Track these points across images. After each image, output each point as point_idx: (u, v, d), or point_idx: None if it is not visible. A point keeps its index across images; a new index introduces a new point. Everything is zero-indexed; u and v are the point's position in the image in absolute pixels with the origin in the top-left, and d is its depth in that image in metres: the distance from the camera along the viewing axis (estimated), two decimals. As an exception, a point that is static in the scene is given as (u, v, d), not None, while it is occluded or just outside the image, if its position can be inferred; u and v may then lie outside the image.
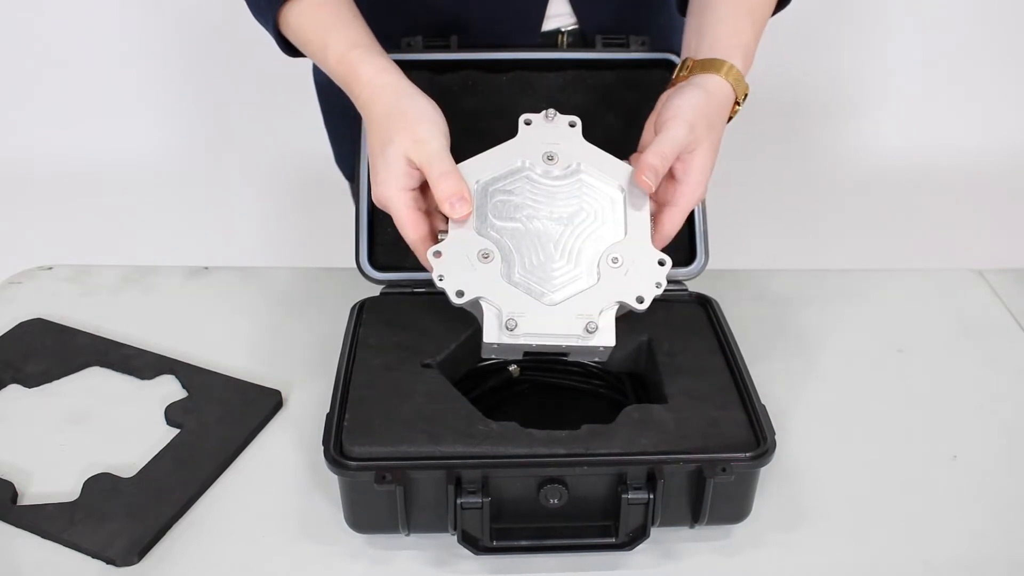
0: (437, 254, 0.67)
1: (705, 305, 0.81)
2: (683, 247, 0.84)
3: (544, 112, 0.72)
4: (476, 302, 0.66)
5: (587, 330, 0.65)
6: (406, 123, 0.67)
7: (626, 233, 0.68)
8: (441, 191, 0.65)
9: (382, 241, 0.83)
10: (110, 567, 0.64)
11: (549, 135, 0.71)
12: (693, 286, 0.83)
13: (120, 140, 2.17)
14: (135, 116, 2.17)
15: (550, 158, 0.70)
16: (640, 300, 0.66)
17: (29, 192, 2.11)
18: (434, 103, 0.70)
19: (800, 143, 2.22)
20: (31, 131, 2.17)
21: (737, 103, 0.73)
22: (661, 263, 0.67)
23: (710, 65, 0.72)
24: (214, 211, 2.10)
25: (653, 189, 0.67)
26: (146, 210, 2.07)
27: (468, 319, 0.77)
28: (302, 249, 2.05)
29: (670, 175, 0.70)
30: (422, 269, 0.83)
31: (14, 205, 2.08)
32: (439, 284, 0.66)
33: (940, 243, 2.04)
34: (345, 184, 1.08)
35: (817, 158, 2.22)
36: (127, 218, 2.05)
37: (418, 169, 0.67)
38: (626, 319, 0.77)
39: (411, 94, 0.70)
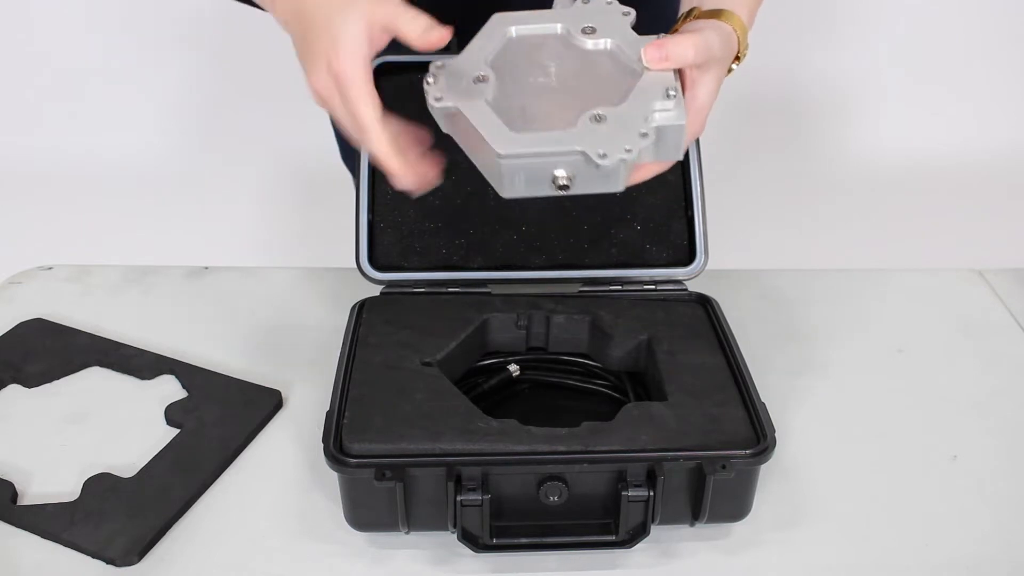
0: (434, 74, 0.64)
1: (705, 305, 0.81)
2: (683, 247, 0.84)
3: None
4: (465, 120, 0.62)
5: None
6: None
7: (624, 100, 0.64)
8: (412, 29, 0.62)
9: (382, 241, 0.83)
10: (110, 567, 0.64)
11: (596, 14, 0.67)
12: (693, 286, 0.83)
13: (120, 140, 2.17)
14: (135, 116, 2.17)
15: (590, 31, 0.67)
16: (602, 156, 0.60)
17: (29, 192, 2.11)
18: None
19: (800, 143, 2.22)
20: (31, 131, 2.18)
21: (738, 58, 0.71)
22: (644, 134, 0.62)
23: (718, 14, 0.70)
24: (214, 211, 2.10)
25: (651, 68, 0.64)
26: (146, 210, 2.08)
27: (468, 319, 0.77)
28: (302, 249, 2.05)
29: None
30: (422, 269, 0.84)
31: (14, 205, 2.08)
32: (426, 87, 0.64)
33: (940, 243, 2.04)
34: (350, 182, 1.07)
35: (817, 158, 2.23)
36: (127, 218, 2.06)
37: (383, 31, 0.63)
38: (626, 318, 0.77)
39: None
